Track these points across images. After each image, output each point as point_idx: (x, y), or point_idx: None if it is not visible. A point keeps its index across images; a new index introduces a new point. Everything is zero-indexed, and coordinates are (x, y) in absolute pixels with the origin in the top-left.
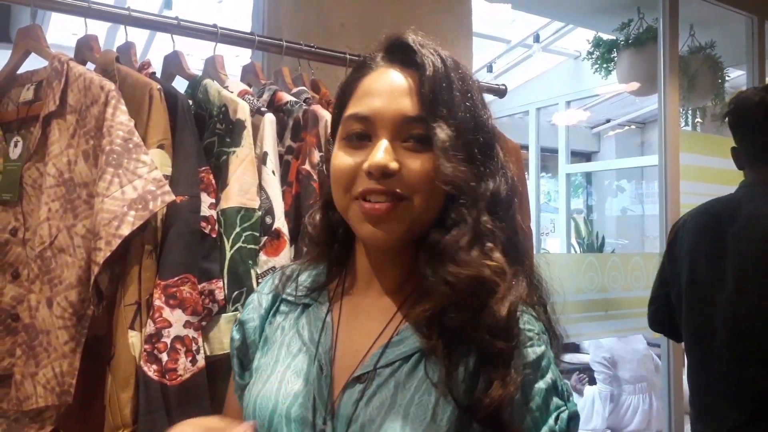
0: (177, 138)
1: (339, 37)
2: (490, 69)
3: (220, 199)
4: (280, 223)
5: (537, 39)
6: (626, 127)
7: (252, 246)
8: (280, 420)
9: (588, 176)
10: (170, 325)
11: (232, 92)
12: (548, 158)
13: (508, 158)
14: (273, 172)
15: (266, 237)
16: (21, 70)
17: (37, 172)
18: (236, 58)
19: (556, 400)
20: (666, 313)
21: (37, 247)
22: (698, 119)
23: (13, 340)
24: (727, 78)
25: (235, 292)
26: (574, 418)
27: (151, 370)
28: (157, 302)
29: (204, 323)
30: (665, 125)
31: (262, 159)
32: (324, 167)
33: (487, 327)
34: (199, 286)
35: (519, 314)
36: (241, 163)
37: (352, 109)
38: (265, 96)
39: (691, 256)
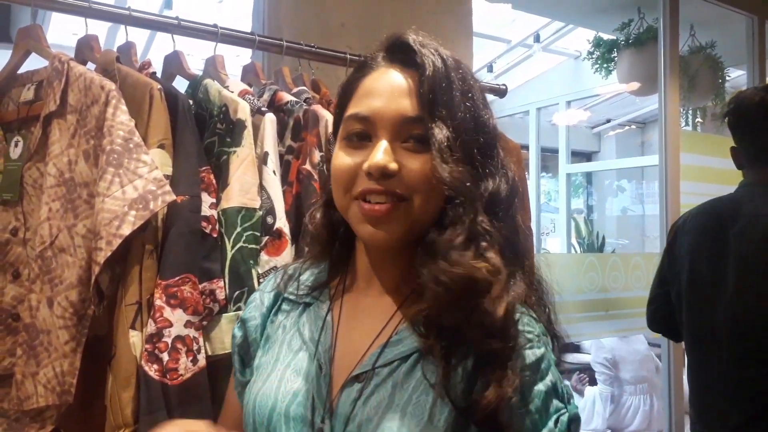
0: (177, 138)
1: (339, 37)
2: (490, 69)
3: (221, 199)
4: (282, 223)
5: (537, 39)
6: (626, 127)
7: (253, 246)
8: (279, 418)
9: (588, 176)
10: (171, 325)
11: (232, 92)
12: (548, 158)
13: (508, 158)
14: (274, 171)
15: (267, 237)
16: (21, 70)
17: (38, 171)
18: (236, 58)
19: (556, 403)
20: (665, 312)
21: (37, 247)
22: (698, 119)
23: (13, 339)
24: (727, 78)
25: (237, 292)
26: (574, 420)
27: (152, 370)
28: (157, 302)
29: (205, 323)
30: (665, 125)
31: (262, 159)
32: (324, 167)
33: (482, 327)
34: (200, 286)
35: (519, 316)
36: (241, 162)
37: (352, 109)
38: (266, 96)
39: (691, 255)
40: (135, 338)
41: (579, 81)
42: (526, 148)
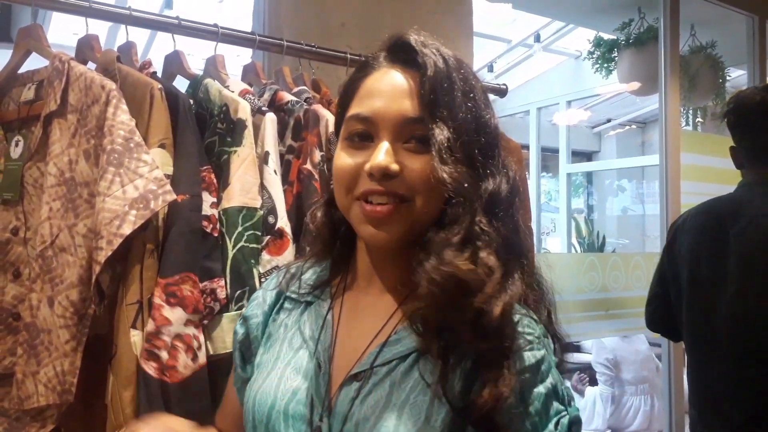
0: (178, 137)
1: (339, 37)
2: (490, 69)
3: (222, 199)
4: (283, 223)
5: (538, 39)
6: (627, 127)
7: (254, 245)
8: (278, 416)
9: (589, 176)
10: (170, 324)
11: (233, 92)
12: (549, 158)
13: (510, 158)
14: (275, 171)
15: (269, 236)
16: (22, 70)
17: (38, 171)
18: (237, 58)
19: (556, 405)
20: (664, 312)
21: (38, 247)
22: (699, 119)
23: (14, 339)
24: (728, 78)
25: (238, 292)
26: (575, 422)
27: (150, 368)
28: (157, 300)
29: (206, 322)
30: (666, 125)
31: (263, 158)
32: (325, 166)
33: (478, 326)
34: (201, 285)
35: (519, 317)
36: (242, 162)
37: (354, 109)
38: (266, 95)
39: (691, 255)
40: (136, 337)
41: (579, 81)
42: (527, 147)
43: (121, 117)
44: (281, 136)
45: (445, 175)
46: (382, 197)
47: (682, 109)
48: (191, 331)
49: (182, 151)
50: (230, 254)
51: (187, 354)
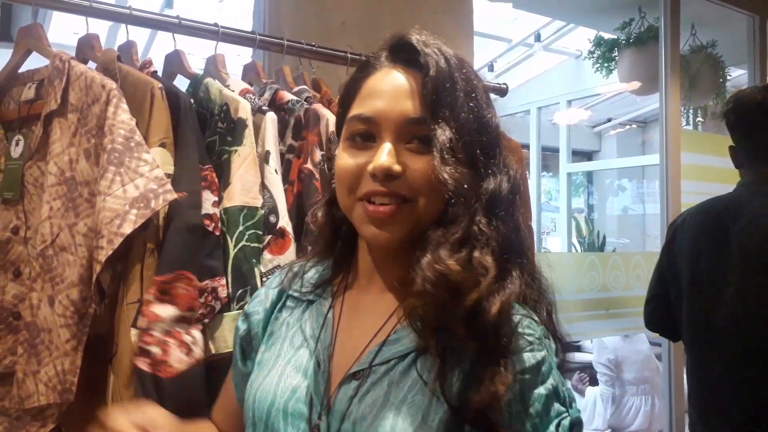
0: (179, 136)
1: (340, 36)
2: (491, 68)
3: (223, 198)
4: (285, 222)
5: (538, 38)
6: (627, 127)
7: (255, 244)
8: (277, 413)
9: (589, 175)
10: (160, 320)
11: (233, 91)
12: (549, 157)
13: (511, 157)
14: (276, 170)
15: (271, 236)
16: (22, 69)
17: (39, 170)
18: (237, 57)
19: (557, 407)
20: (663, 312)
21: (38, 246)
22: (699, 118)
23: (14, 338)
24: (728, 77)
25: (239, 291)
26: (576, 424)
27: (143, 364)
28: (148, 297)
29: (207, 320)
30: (666, 124)
31: (264, 158)
32: (325, 166)
33: (474, 325)
34: (202, 283)
35: (519, 318)
36: (243, 161)
37: (355, 110)
38: (267, 95)
39: (691, 255)
40: (136, 337)
41: (580, 80)
42: (527, 147)
43: (122, 116)
44: (281, 135)
45: (446, 176)
46: (385, 198)
47: (682, 109)
48: (184, 327)
49: (182, 149)
50: (231, 253)
51: (181, 349)
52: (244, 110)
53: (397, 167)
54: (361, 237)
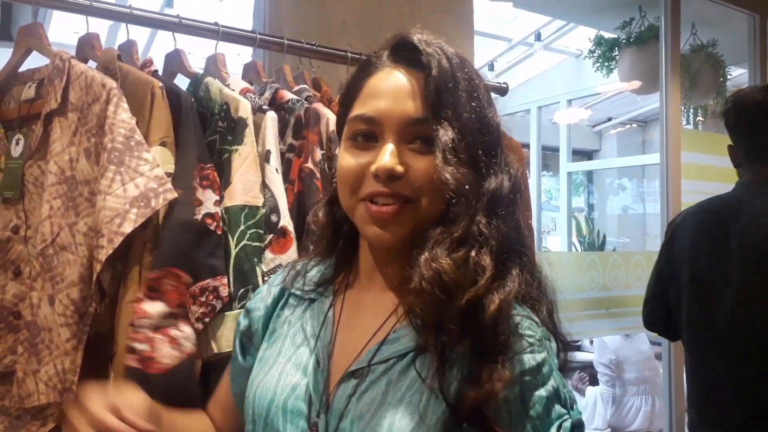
0: (179, 135)
1: (340, 36)
2: (491, 67)
3: (224, 197)
4: (286, 221)
5: (538, 37)
6: (627, 126)
7: (257, 244)
8: (276, 411)
9: (589, 175)
10: (148, 317)
11: (233, 90)
12: (549, 157)
13: (512, 156)
14: (276, 169)
15: (272, 235)
16: (23, 68)
17: (39, 169)
18: (237, 57)
19: (558, 408)
20: (662, 312)
21: (38, 245)
22: (700, 118)
23: (14, 337)
24: (728, 76)
25: (241, 290)
26: (577, 426)
27: (132, 361)
28: (139, 295)
29: (207, 319)
30: (667, 124)
31: (265, 157)
32: (326, 165)
33: (471, 322)
34: (203, 283)
35: (519, 319)
36: (243, 161)
37: (357, 110)
38: (267, 94)
39: (691, 254)
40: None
41: (580, 79)
42: (527, 146)
43: (122, 115)
44: (282, 134)
45: (448, 176)
46: (388, 198)
47: (682, 108)
48: (172, 323)
49: (182, 148)
50: (233, 252)
51: (170, 345)
52: (245, 109)
53: (399, 168)
54: (363, 236)
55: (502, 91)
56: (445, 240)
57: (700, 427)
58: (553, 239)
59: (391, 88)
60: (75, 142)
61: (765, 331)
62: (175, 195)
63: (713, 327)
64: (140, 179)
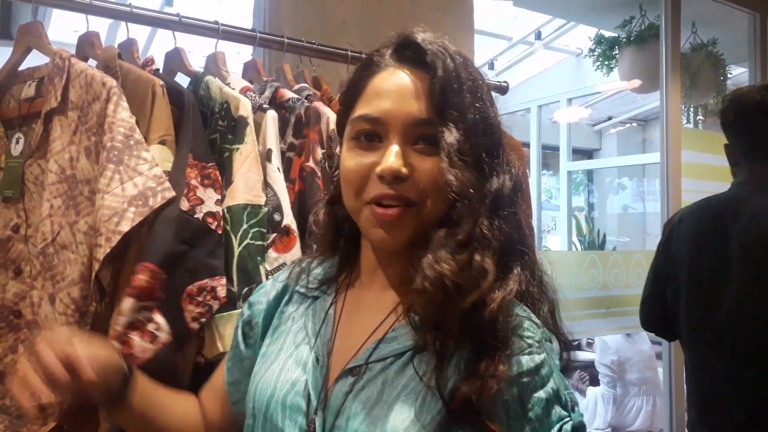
0: (179, 133)
1: (340, 34)
2: (491, 66)
3: (225, 197)
4: (289, 220)
5: (539, 36)
6: (628, 125)
7: (260, 242)
8: (276, 406)
9: (589, 174)
10: (122, 314)
11: (233, 89)
12: (549, 156)
13: (513, 155)
14: (278, 168)
15: (275, 234)
16: (22, 67)
17: (39, 168)
18: (237, 55)
19: (558, 410)
20: (659, 312)
21: (39, 244)
22: (700, 117)
23: (15, 336)
24: (729, 75)
25: (245, 289)
26: (578, 428)
27: None
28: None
29: (204, 319)
30: (667, 122)
31: (266, 156)
32: (326, 164)
33: (471, 323)
34: (200, 282)
35: (519, 320)
36: (245, 159)
37: (361, 109)
38: (267, 93)
39: (690, 254)
40: None
41: (580, 78)
42: (528, 145)
43: (122, 114)
44: (282, 133)
45: (453, 179)
46: (393, 200)
47: (683, 107)
48: (145, 315)
49: (180, 148)
50: (236, 252)
51: (144, 338)
52: (245, 108)
53: (405, 169)
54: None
55: (503, 89)
56: (448, 242)
57: (699, 427)
58: (553, 238)
59: (396, 88)
60: (75, 141)
61: (765, 331)
62: (174, 194)
63: (713, 327)
64: (139, 178)
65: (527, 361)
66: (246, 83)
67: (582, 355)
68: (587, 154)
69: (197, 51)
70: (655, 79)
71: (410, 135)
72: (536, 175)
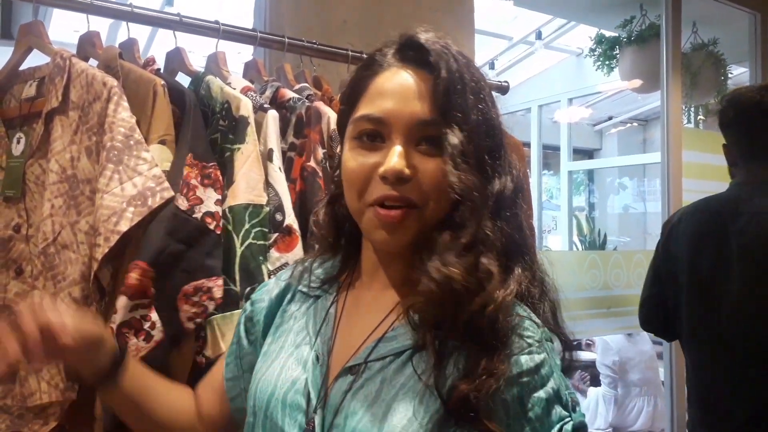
0: (182, 133)
1: (341, 34)
2: (492, 66)
3: (227, 197)
4: (291, 219)
5: (539, 36)
6: (628, 125)
7: (261, 242)
8: (276, 404)
9: (590, 173)
10: (117, 312)
11: (234, 89)
12: (550, 155)
13: (514, 155)
14: (279, 168)
15: (277, 233)
16: (23, 67)
17: (40, 168)
18: (238, 55)
19: (559, 410)
20: (659, 311)
21: (40, 244)
22: (701, 116)
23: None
24: (729, 75)
25: (248, 289)
26: (579, 429)
27: None
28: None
29: (199, 320)
30: (668, 122)
31: (267, 156)
32: (327, 164)
33: (473, 324)
34: (197, 282)
35: (519, 320)
36: (246, 159)
37: (364, 109)
38: (268, 92)
39: (690, 254)
40: None
41: (581, 78)
42: (528, 145)
43: (122, 114)
44: (283, 133)
45: (456, 181)
46: (395, 201)
47: (683, 107)
48: (141, 314)
49: (180, 147)
50: (238, 252)
51: (138, 336)
52: (246, 108)
53: (408, 170)
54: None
55: (503, 89)
56: (454, 245)
57: (700, 427)
58: (554, 238)
59: (399, 89)
60: (76, 141)
61: (765, 331)
62: (173, 194)
63: (713, 327)
64: (138, 178)
65: (527, 360)
66: (247, 83)
67: (582, 355)
68: (588, 154)
69: (198, 51)
70: (655, 78)
71: (413, 136)
72: (537, 175)
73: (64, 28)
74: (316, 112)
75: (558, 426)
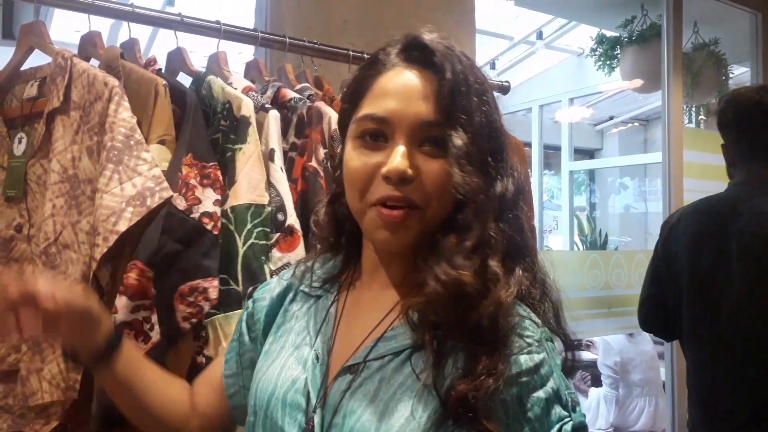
0: (180, 133)
1: (342, 34)
2: (493, 66)
3: (228, 197)
4: (293, 219)
5: (540, 36)
6: (629, 125)
7: (264, 242)
8: (276, 403)
9: (591, 173)
10: (116, 311)
11: (235, 89)
12: (551, 155)
13: (515, 157)
14: (281, 168)
15: (279, 233)
16: (25, 67)
17: (42, 168)
18: (239, 55)
19: (559, 410)
20: (658, 312)
21: (41, 244)
22: (702, 116)
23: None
24: (731, 75)
25: (250, 288)
26: (579, 429)
27: None
28: None
29: (195, 320)
30: (669, 122)
31: (269, 156)
32: (328, 164)
33: (476, 325)
34: (192, 282)
35: (519, 320)
36: (248, 159)
37: (367, 109)
38: (269, 92)
39: (690, 254)
40: None
41: (582, 78)
42: (529, 145)
43: (123, 114)
44: (284, 133)
45: (461, 182)
46: (398, 201)
47: (684, 107)
48: (141, 315)
49: (179, 147)
50: (241, 252)
51: (138, 338)
52: (247, 108)
53: (411, 171)
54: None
55: (504, 89)
56: (460, 248)
57: (700, 427)
58: (555, 238)
59: (403, 89)
60: (77, 141)
61: (765, 331)
62: (171, 194)
63: (713, 327)
64: (138, 179)
65: (526, 360)
66: (248, 83)
67: (583, 356)
68: (589, 153)
69: (199, 51)
70: (656, 78)
71: (417, 136)
72: (538, 175)
73: (66, 28)
74: (317, 112)
75: (557, 426)
